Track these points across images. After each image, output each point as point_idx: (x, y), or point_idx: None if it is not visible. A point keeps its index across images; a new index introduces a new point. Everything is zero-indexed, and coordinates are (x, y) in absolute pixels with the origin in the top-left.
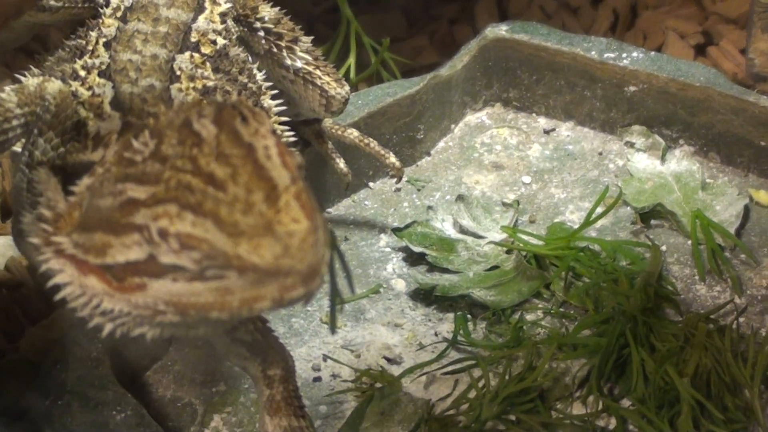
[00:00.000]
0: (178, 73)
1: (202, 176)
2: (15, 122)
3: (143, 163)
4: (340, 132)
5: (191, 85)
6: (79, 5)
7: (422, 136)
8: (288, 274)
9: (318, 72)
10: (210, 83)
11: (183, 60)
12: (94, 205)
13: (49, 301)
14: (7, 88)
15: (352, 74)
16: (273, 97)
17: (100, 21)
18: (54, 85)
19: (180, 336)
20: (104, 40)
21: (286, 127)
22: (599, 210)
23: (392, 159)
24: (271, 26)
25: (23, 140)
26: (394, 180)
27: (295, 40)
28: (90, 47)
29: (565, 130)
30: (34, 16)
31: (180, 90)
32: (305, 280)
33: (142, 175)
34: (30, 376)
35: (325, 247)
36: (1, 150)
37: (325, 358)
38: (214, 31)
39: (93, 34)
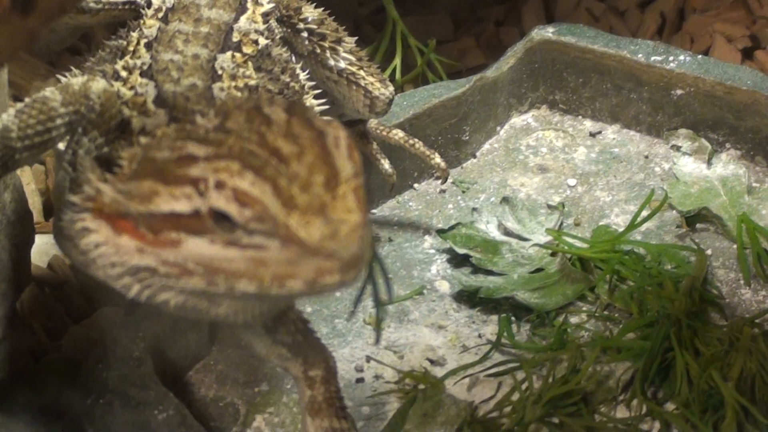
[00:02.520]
0: (220, 72)
1: (268, 148)
2: (59, 121)
3: (206, 131)
4: (385, 133)
5: (233, 84)
6: (119, 7)
7: (467, 138)
8: (329, 258)
9: (362, 72)
10: (252, 82)
11: (224, 59)
12: (148, 156)
13: (91, 300)
14: (51, 87)
15: (397, 75)
16: (316, 97)
17: (141, 22)
18: (99, 84)
19: (202, 314)
20: (145, 40)
21: None
22: (644, 213)
23: (438, 160)
24: (314, 27)
25: (67, 139)
26: (439, 181)
27: (339, 41)
28: (131, 48)
29: (611, 133)
30: (75, 18)
31: (222, 89)
32: (343, 269)
33: (204, 137)
34: (71, 375)
35: (369, 247)
36: (45, 148)
37: (368, 359)
38: (256, 31)
39: (134, 35)
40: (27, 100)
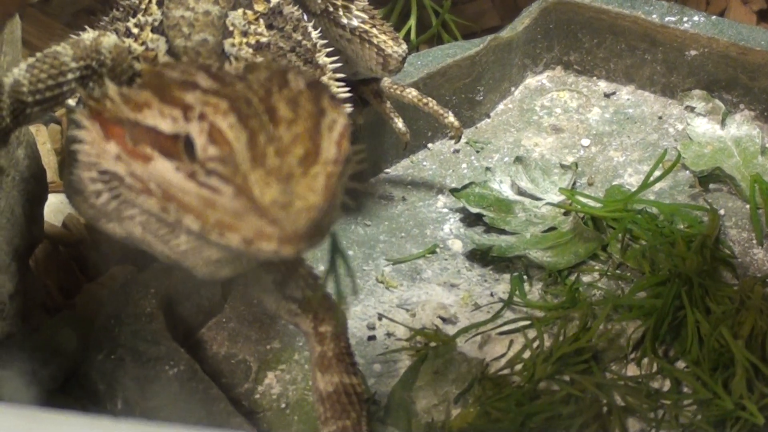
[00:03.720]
0: (231, 28)
1: (266, 105)
2: (70, 76)
3: (223, 71)
4: (398, 91)
5: (244, 40)
6: None
7: (482, 98)
8: (272, 224)
9: (374, 30)
10: (263, 39)
11: (236, 16)
12: (160, 72)
13: (105, 258)
14: (62, 43)
15: (412, 36)
16: (328, 56)
17: None
18: (110, 39)
19: (168, 253)
20: None
21: (342, 83)
22: (657, 173)
23: (451, 118)
24: None
25: (78, 94)
26: (453, 140)
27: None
28: (143, 6)
29: (626, 93)
30: None
31: (233, 45)
32: (282, 240)
33: (217, 74)
34: (84, 331)
35: (319, 234)
36: (56, 103)
37: (380, 317)
38: None
39: None
40: (38, 55)
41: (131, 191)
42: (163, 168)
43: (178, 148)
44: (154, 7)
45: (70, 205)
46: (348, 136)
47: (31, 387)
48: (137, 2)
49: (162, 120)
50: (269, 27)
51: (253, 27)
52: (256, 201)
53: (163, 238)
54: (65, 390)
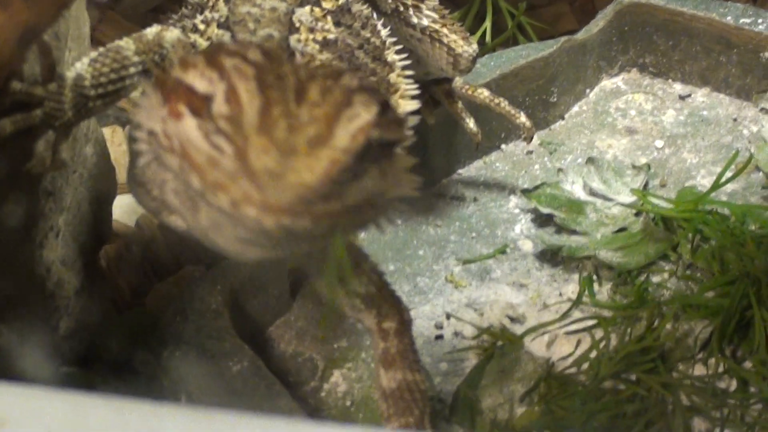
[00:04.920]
0: (297, 25)
1: (298, 85)
2: (132, 69)
3: (277, 53)
4: (470, 92)
5: (310, 36)
6: None
7: (556, 100)
8: (258, 189)
9: (445, 30)
10: (331, 36)
11: (303, 13)
12: (217, 42)
13: (177, 258)
14: (125, 37)
15: (488, 38)
16: (398, 53)
17: None
18: (172, 34)
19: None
20: None
21: (411, 80)
22: (729, 174)
23: (523, 119)
24: None
25: (140, 88)
26: (525, 141)
27: None
28: (210, 2)
29: (701, 96)
30: None
31: (299, 41)
32: (263, 208)
33: (267, 51)
34: (150, 328)
35: (304, 221)
36: (119, 96)
37: (448, 316)
38: None
39: None
40: (101, 49)
41: (160, 148)
42: (189, 126)
43: (205, 106)
44: (221, 3)
45: (133, 196)
46: (368, 134)
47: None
48: (205, 0)
49: (200, 81)
50: (337, 24)
51: (320, 24)
52: (249, 164)
53: (190, 209)
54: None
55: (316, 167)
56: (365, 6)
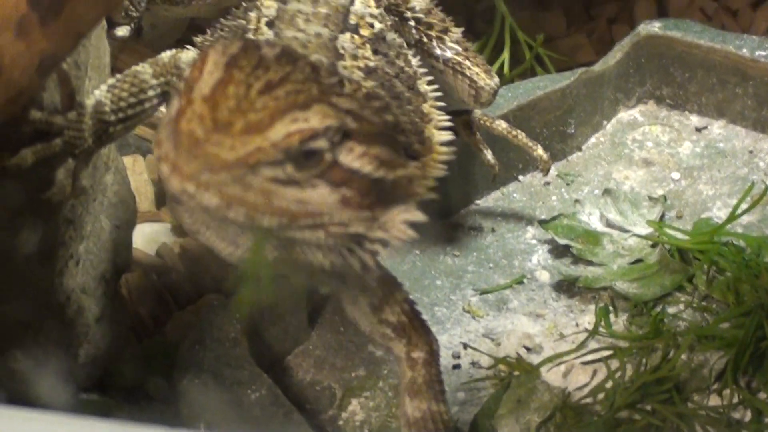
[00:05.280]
0: (342, 51)
1: (267, 73)
2: (151, 92)
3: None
4: (488, 123)
5: (355, 63)
6: None
7: (573, 131)
8: (174, 149)
9: (468, 63)
10: (371, 63)
11: (345, 40)
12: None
13: (198, 287)
14: (141, 63)
15: (505, 70)
16: (428, 84)
17: (259, 2)
18: (188, 54)
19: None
20: (266, 19)
21: (442, 113)
22: (745, 206)
23: (540, 151)
24: (421, 16)
25: (162, 110)
26: (542, 173)
27: (446, 31)
28: (252, 26)
29: (717, 128)
30: (170, 10)
31: (345, 68)
32: (173, 168)
33: (260, 46)
34: (170, 356)
35: (212, 195)
36: (139, 120)
37: (465, 346)
38: (371, 15)
39: (252, 15)
40: (118, 75)
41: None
42: (172, 105)
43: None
44: (264, 27)
45: (170, 213)
46: (308, 138)
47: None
48: (245, 23)
49: (192, 67)
50: (375, 52)
51: (360, 51)
52: (179, 125)
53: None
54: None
55: (238, 149)
56: (397, 34)
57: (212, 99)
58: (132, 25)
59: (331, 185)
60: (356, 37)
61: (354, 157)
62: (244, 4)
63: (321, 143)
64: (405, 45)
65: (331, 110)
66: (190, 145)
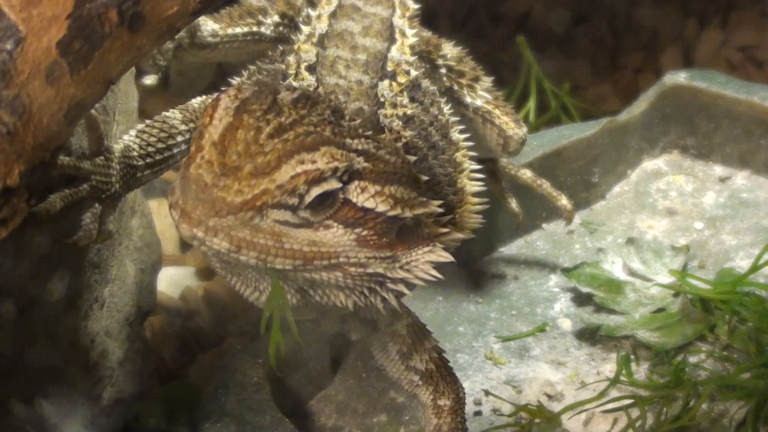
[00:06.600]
0: (382, 99)
1: (282, 122)
2: (179, 138)
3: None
4: (513, 171)
5: (394, 112)
6: (239, 39)
7: (597, 180)
8: (183, 195)
9: (497, 111)
10: (409, 111)
11: (384, 87)
12: None
13: (221, 330)
14: (171, 109)
15: (531, 118)
16: (460, 132)
17: (296, 47)
18: None
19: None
20: (306, 64)
21: (473, 162)
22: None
23: (564, 201)
24: (453, 64)
25: None
26: (566, 222)
27: (476, 79)
28: (292, 71)
29: (741, 178)
30: (196, 55)
31: (385, 116)
32: (182, 214)
33: (273, 91)
34: (193, 400)
35: (221, 239)
36: (167, 166)
37: (487, 393)
38: (406, 62)
39: (291, 59)
40: (147, 121)
41: None
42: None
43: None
44: (305, 72)
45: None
46: (312, 180)
47: None
48: (284, 67)
49: (205, 113)
50: (411, 99)
51: (399, 99)
52: (189, 170)
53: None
54: None
55: (245, 192)
56: (430, 82)
57: (221, 144)
58: (159, 74)
59: (345, 225)
60: (394, 84)
61: (367, 197)
62: (280, 47)
63: (331, 184)
64: (437, 93)
65: (339, 151)
66: (198, 190)
